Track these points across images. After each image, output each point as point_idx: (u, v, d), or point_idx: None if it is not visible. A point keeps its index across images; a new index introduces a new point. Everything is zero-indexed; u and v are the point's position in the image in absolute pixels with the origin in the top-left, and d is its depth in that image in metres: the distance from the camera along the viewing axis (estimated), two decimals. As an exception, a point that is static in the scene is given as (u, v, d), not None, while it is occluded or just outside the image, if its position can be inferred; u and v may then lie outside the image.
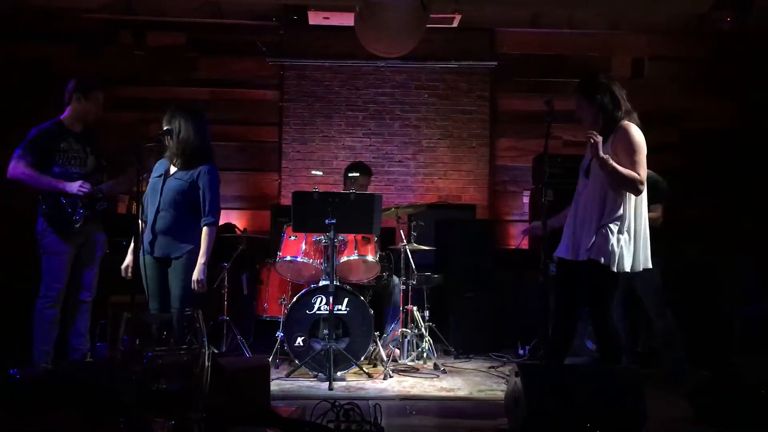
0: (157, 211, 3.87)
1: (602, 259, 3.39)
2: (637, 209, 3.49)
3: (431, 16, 6.03)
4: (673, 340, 4.69)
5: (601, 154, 3.39)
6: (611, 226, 3.41)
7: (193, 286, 3.81)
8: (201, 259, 3.84)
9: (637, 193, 3.44)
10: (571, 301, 3.65)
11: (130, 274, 3.90)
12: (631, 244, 3.45)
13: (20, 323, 4.34)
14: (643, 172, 3.42)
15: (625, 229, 3.43)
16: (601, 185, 3.48)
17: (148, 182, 3.97)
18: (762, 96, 6.62)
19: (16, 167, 4.14)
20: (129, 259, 3.95)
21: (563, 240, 3.66)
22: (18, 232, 4.60)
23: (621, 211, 3.43)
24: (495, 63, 6.88)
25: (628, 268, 3.44)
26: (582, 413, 2.89)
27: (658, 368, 4.77)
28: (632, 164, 3.41)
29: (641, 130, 3.52)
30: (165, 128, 3.93)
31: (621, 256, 3.40)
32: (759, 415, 3.29)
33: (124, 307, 4.32)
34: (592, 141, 3.41)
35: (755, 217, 6.36)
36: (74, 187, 4.15)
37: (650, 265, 3.55)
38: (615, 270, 3.40)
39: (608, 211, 3.44)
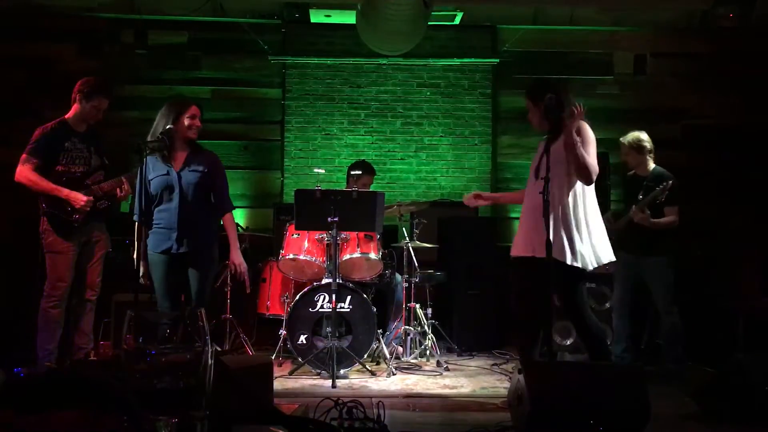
0: (181, 206, 3.88)
1: (566, 259, 3.47)
2: (588, 207, 3.61)
3: (433, 13, 6.03)
4: (676, 337, 4.69)
5: (574, 134, 3.50)
6: (566, 225, 3.50)
7: (237, 270, 4.06)
8: (237, 245, 4.06)
9: (589, 182, 3.55)
10: (534, 298, 3.70)
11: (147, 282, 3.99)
12: (587, 240, 3.55)
13: (25, 322, 4.35)
14: (596, 164, 3.54)
15: (581, 226, 3.54)
16: (552, 187, 3.53)
17: (134, 182, 4.00)
18: (765, 92, 6.60)
19: (22, 172, 4.16)
20: (144, 266, 3.97)
21: (518, 240, 3.76)
22: (22, 231, 4.61)
23: (572, 210, 3.54)
24: (497, 60, 6.87)
25: (591, 265, 3.56)
26: (585, 410, 2.88)
27: (661, 365, 4.76)
28: (587, 155, 3.53)
29: (592, 128, 3.66)
30: (168, 127, 3.93)
31: (580, 253, 3.50)
32: (763, 413, 3.28)
33: (127, 306, 4.32)
34: (578, 111, 3.50)
35: (758, 214, 6.35)
36: (79, 202, 4.15)
37: (614, 258, 3.68)
38: (579, 266, 3.49)
39: (560, 211, 3.53)
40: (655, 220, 4.64)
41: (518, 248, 3.73)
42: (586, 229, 3.56)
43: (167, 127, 3.90)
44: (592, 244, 3.56)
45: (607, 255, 3.63)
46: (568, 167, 3.53)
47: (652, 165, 4.83)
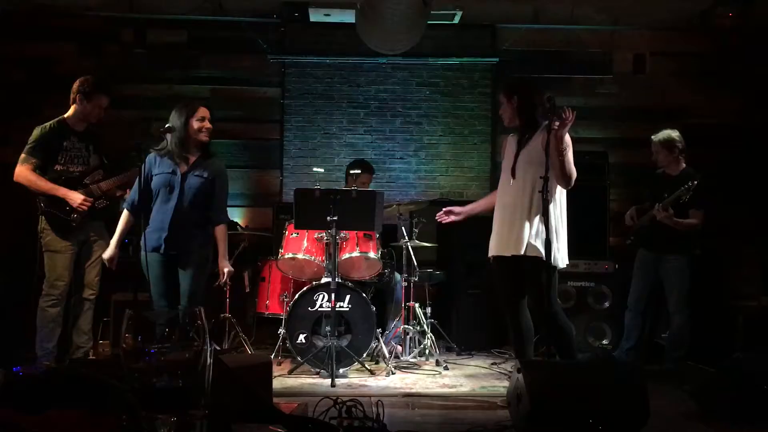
0: (177, 208, 3.87)
1: (541, 256, 3.50)
2: (559, 209, 3.67)
3: (432, 12, 6.02)
4: (681, 339, 4.67)
5: (565, 142, 3.53)
6: (540, 224, 3.54)
7: (224, 277, 4.09)
8: (225, 255, 4.08)
9: (568, 186, 3.62)
10: (518, 295, 3.77)
11: (113, 266, 4.02)
12: (557, 240, 3.61)
13: (24, 322, 4.35)
14: (574, 169, 3.60)
15: (553, 226, 3.57)
16: (529, 186, 3.60)
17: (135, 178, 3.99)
18: (765, 92, 6.60)
19: (21, 171, 4.16)
20: (114, 251, 3.99)
21: (493, 240, 3.81)
22: (22, 231, 4.60)
23: (546, 210, 3.54)
24: (497, 59, 6.86)
25: (561, 264, 3.64)
26: (584, 410, 2.88)
27: (661, 365, 4.76)
28: (570, 162, 3.58)
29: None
30: (167, 125, 3.93)
31: (552, 252, 3.52)
32: (762, 411, 3.28)
33: (126, 305, 4.31)
34: (567, 115, 3.48)
35: (758, 213, 6.35)
36: (76, 201, 4.15)
37: (567, 262, 3.72)
38: (553, 264, 3.53)
39: (535, 211, 3.58)
40: (678, 220, 4.62)
41: (491, 249, 3.83)
42: (561, 229, 3.66)
43: (167, 126, 3.92)
44: (560, 244, 3.65)
45: (566, 257, 3.72)
46: (544, 169, 3.54)
47: (683, 165, 4.82)
